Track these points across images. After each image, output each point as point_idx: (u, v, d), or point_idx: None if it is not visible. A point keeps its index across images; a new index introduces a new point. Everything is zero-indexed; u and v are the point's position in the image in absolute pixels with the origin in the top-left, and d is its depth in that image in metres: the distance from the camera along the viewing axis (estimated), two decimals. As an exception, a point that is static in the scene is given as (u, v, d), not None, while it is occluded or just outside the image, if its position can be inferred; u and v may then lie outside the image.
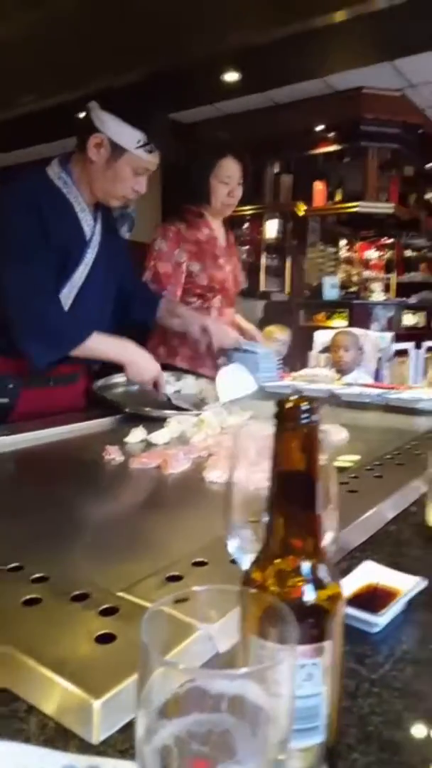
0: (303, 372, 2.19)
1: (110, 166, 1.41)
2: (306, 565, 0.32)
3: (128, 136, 1.37)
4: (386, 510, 0.84)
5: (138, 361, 1.42)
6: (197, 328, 1.67)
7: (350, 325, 4.16)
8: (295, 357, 2.85)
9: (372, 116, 4.74)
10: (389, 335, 3.05)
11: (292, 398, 0.34)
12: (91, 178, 1.44)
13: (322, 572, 0.33)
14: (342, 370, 2.64)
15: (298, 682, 0.31)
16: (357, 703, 0.45)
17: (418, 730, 0.43)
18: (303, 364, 2.70)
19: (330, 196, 4.97)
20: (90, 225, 1.49)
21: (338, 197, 4.94)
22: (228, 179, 1.90)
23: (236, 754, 0.28)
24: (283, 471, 0.33)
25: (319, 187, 4.98)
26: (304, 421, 0.32)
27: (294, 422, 0.32)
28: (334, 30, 3.03)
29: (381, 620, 0.53)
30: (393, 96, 4.74)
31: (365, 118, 4.75)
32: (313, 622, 0.31)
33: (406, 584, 0.61)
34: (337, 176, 4.98)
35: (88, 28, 3.22)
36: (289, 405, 0.33)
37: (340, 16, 2.90)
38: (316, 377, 2.08)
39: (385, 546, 0.75)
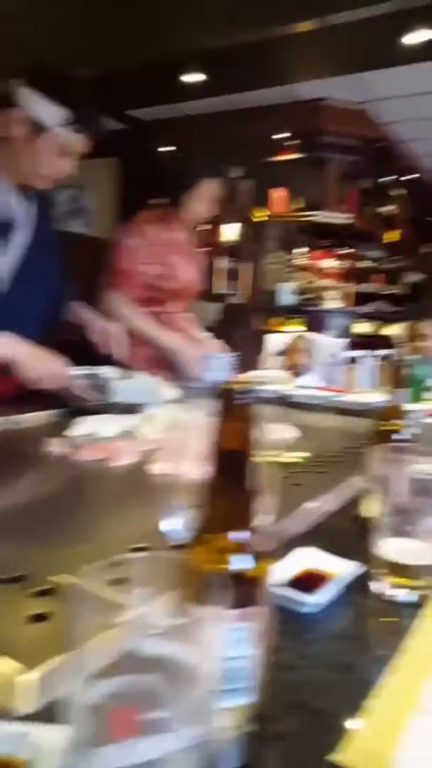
0: (255, 373, 2.24)
1: (31, 144, 1.36)
2: (236, 537, 0.34)
3: (50, 113, 1.33)
4: (328, 502, 0.88)
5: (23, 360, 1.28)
6: (96, 334, 1.62)
7: (306, 330, 4.25)
8: (250, 359, 2.90)
9: (333, 127, 4.82)
10: (342, 341, 3.14)
11: (229, 382, 0.36)
12: (12, 158, 1.39)
13: (252, 544, 0.35)
14: (297, 373, 2.70)
15: (227, 645, 0.33)
16: (290, 674, 0.48)
17: (345, 699, 0.45)
18: (256, 366, 2.75)
19: (290, 204, 5.06)
20: (12, 208, 1.43)
21: (297, 205, 5.04)
22: (208, 198, 1.94)
23: (162, 709, 0.29)
24: (216, 447, 0.35)
25: (278, 194, 5.06)
26: (235, 402, 0.35)
27: (226, 402, 0.35)
28: (299, 39, 3.10)
29: (313, 600, 0.56)
30: (354, 109, 4.85)
31: (326, 129, 4.82)
32: (242, 589, 0.33)
33: (342, 569, 0.64)
34: (297, 184, 5.07)
35: (47, 21, 3.19)
36: (223, 387, 0.35)
37: (305, 26, 2.98)
38: (268, 379, 2.13)
39: (325, 535, 0.78)
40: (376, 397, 2.07)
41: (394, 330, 5.07)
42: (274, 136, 4.97)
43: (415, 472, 0.68)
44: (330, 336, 4.48)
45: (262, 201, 5.08)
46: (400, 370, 0.91)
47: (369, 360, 4.28)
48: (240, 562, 0.33)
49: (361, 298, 5.80)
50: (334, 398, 1.97)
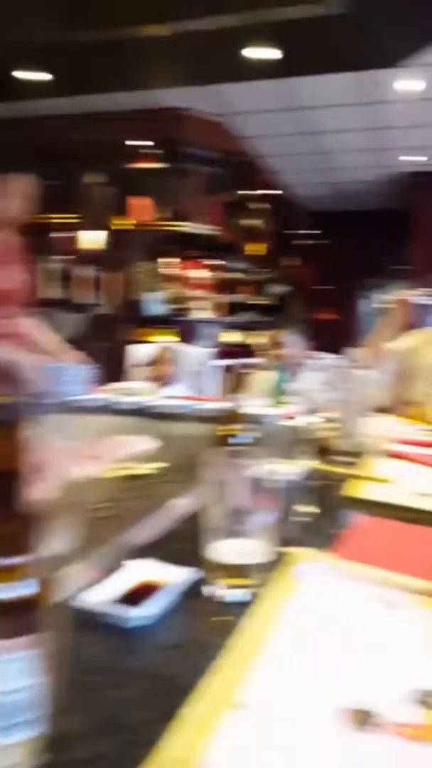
0: (119, 385, 2.21)
1: None
2: (6, 563, 0.32)
3: None
4: (174, 511, 0.89)
5: None
6: None
7: (179, 340, 4.30)
8: (115, 371, 2.87)
9: (195, 138, 4.92)
10: (208, 350, 3.21)
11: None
12: None
13: (27, 568, 0.33)
14: (164, 384, 2.71)
15: (5, 677, 0.31)
16: (109, 693, 0.47)
17: (165, 710, 0.45)
18: (122, 377, 2.72)
19: (155, 213, 5.08)
20: None
21: (163, 214, 5.08)
22: (15, 195, 1.87)
23: None
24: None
25: (142, 202, 5.06)
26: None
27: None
28: (150, 44, 3.11)
29: (139, 613, 0.56)
30: (215, 121, 4.99)
31: (188, 140, 4.91)
32: (17, 618, 0.31)
33: (177, 577, 0.64)
34: (162, 193, 5.10)
35: None
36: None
37: (155, 30, 2.99)
38: (132, 390, 2.11)
39: (170, 543, 0.79)
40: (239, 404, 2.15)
41: (258, 339, 5.32)
42: (135, 143, 4.97)
43: (254, 473, 0.71)
44: (202, 346, 4.58)
45: (126, 209, 5.04)
46: (240, 377, 0.95)
47: (239, 368, 4.44)
48: (9, 591, 0.32)
49: (232, 308, 6.01)
50: (199, 407, 2.00)
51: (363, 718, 0.45)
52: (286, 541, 0.77)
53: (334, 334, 4.60)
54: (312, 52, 3.23)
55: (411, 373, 2.16)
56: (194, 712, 0.44)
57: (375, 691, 0.48)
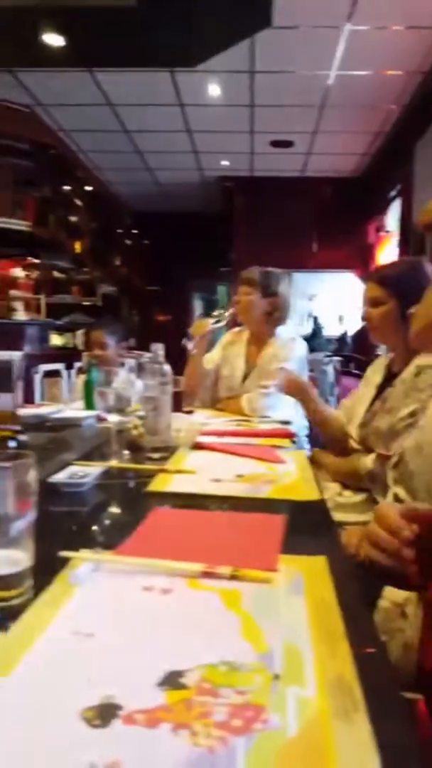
0: None
1: None
2: None
3: None
4: None
5: None
6: None
7: (-8, 344, 3.99)
8: None
9: (1, 128, 4.63)
10: (20, 354, 3.02)
11: None
12: None
13: None
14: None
15: None
16: None
17: None
18: None
19: None
20: None
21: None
22: None
23: None
24: None
25: None
26: None
27: None
28: None
29: None
30: (22, 111, 4.72)
31: (-7, 129, 4.61)
32: None
33: None
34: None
35: None
36: None
37: None
38: None
39: None
40: (51, 410, 2.06)
41: (78, 340, 5.17)
42: None
43: (31, 477, 0.66)
44: (27, 350, 4.30)
45: None
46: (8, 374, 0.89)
47: (70, 373, 4.27)
48: None
49: (57, 309, 5.73)
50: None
51: (107, 713, 0.44)
52: (80, 544, 0.74)
53: (167, 335, 4.65)
54: (98, 43, 3.16)
55: (222, 376, 2.30)
56: None
57: (124, 682, 0.48)
